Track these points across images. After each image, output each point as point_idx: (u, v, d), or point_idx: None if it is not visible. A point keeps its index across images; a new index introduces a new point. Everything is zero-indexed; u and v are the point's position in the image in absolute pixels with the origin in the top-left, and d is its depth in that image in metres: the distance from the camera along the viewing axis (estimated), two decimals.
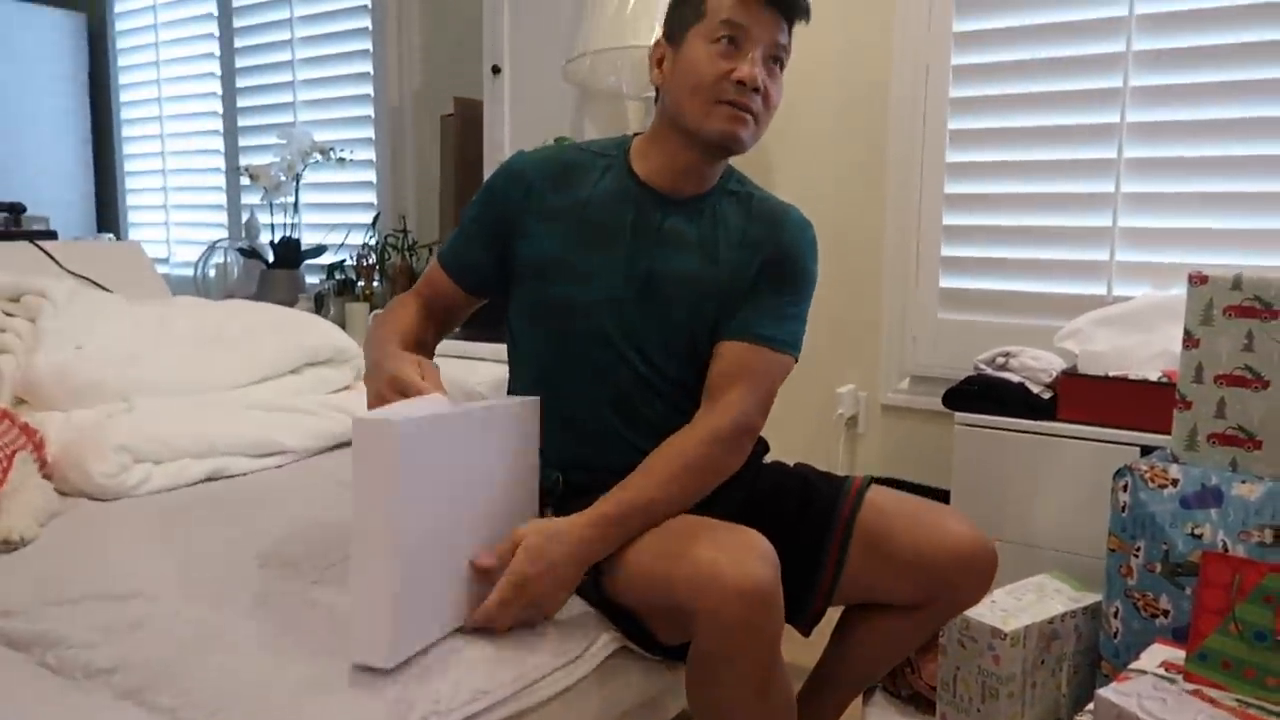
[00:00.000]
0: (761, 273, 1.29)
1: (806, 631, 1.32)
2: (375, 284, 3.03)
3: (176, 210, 3.92)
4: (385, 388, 1.10)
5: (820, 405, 2.39)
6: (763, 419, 1.27)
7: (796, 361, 1.32)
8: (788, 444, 1.63)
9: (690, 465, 1.20)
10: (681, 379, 1.30)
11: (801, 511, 1.31)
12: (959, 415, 1.89)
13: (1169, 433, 1.52)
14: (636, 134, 1.36)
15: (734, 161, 1.35)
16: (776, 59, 1.24)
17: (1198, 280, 1.47)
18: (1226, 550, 1.38)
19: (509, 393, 1.38)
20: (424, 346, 1.32)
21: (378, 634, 0.96)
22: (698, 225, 1.30)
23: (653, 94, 2.26)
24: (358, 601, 0.96)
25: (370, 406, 1.12)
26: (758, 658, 1.04)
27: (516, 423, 1.17)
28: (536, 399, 1.24)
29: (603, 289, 1.26)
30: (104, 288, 2.22)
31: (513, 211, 1.30)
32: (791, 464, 1.42)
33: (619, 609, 1.19)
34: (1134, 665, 1.33)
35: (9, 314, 1.87)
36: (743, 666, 1.04)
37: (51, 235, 2.84)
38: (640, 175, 1.30)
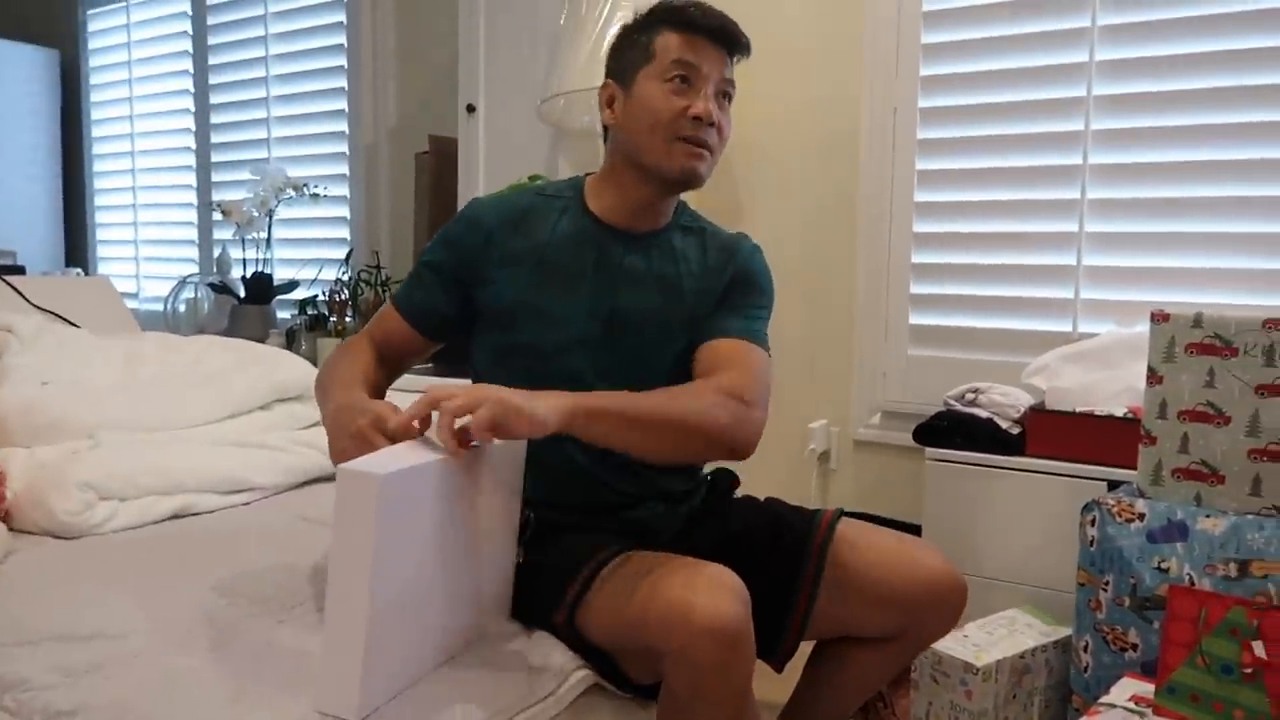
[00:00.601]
0: (725, 293, 1.33)
1: (779, 667, 1.32)
2: (348, 319, 3.02)
3: (147, 245, 3.90)
4: (368, 428, 1.06)
5: (793, 440, 2.40)
6: (759, 404, 1.22)
7: (769, 353, 1.32)
8: (761, 479, 1.64)
9: (676, 393, 1.16)
10: None
11: (773, 546, 1.31)
12: (929, 450, 1.91)
13: (1135, 468, 1.55)
14: (589, 174, 1.37)
15: (712, 201, 1.37)
16: (725, 94, 1.28)
17: (1160, 318, 1.50)
18: (1193, 584, 1.40)
19: None
20: (379, 390, 1.30)
21: (347, 685, 0.94)
22: (657, 260, 1.32)
23: None
24: (329, 650, 0.95)
25: (341, 449, 1.07)
26: (728, 697, 1.03)
27: (501, 466, 1.15)
28: (523, 440, 1.21)
29: (571, 330, 1.27)
30: (72, 323, 2.20)
31: (473, 259, 1.30)
32: (762, 499, 1.43)
33: (591, 648, 1.19)
34: (1104, 699, 1.34)
35: None
36: (714, 705, 1.03)
37: (19, 270, 2.81)
38: (597, 214, 1.32)
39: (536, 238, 1.30)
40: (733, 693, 1.03)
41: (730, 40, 1.27)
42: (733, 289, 1.33)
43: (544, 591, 1.20)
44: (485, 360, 1.33)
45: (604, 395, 1.11)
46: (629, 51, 1.28)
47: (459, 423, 1.00)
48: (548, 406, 1.03)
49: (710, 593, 1.02)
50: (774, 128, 2.41)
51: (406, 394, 1.25)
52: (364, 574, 0.92)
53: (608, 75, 1.32)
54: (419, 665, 1.06)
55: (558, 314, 1.28)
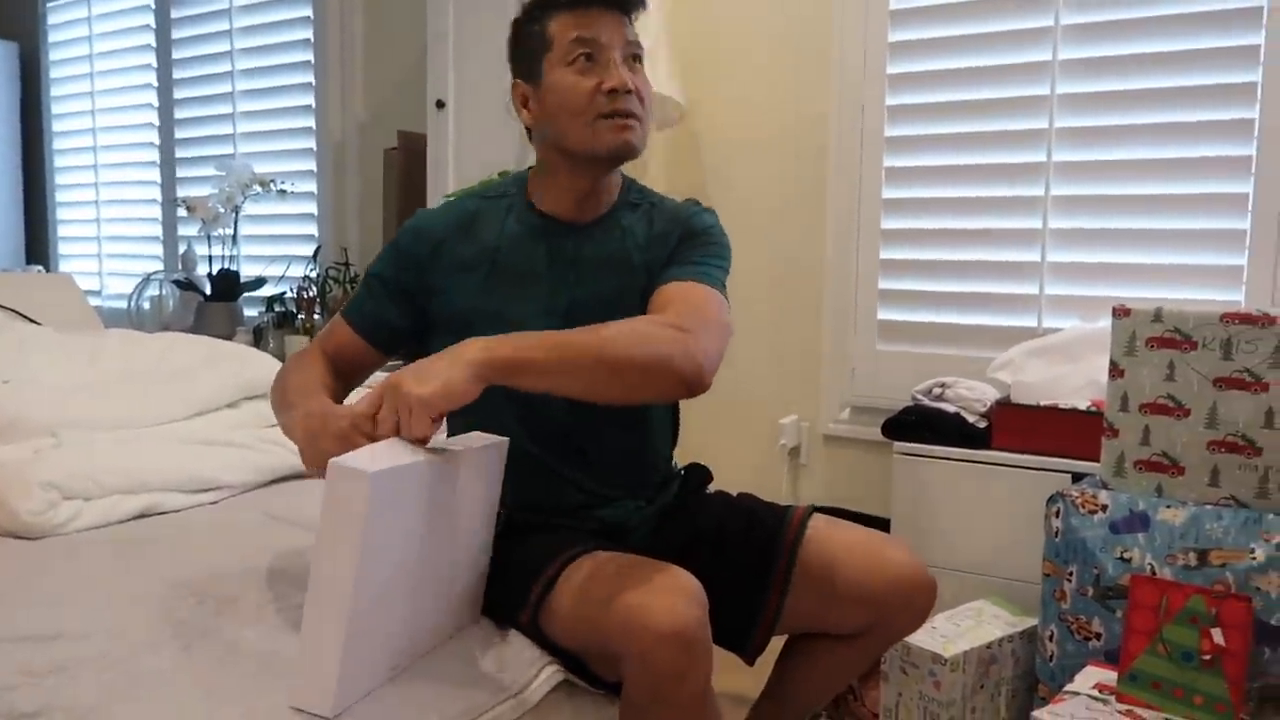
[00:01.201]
0: (673, 251, 1.30)
1: (751, 660, 1.33)
2: (316, 316, 3.00)
3: (110, 242, 3.84)
4: (350, 429, 1.03)
5: (763, 436, 2.42)
6: (701, 331, 1.14)
7: (726, 300, 1.27)
8: (732, 474, 1.64)
9: (604, 327, 1.10)
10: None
11: (745, 543, 1.32)
12: (897, 445, 1.93)
13: (1098, 460, 1.57)
14: (530, 168, 1.36)
15: (675, 191, 1.36)
16: (634, 56, 1.26)
17: (1121, 313, 1.53)
18: (1154, 573, 1.43)
19: (449, 433, 1.36)
20: (337, 400, 1.27)
21: (325, 681, 0.94)
22: (608, 244, 1.31)
23: None
24: (307, 646, 0.94)
25: (322, 449, 1.03)
26: (687, 700, 1.03)
27: (483, 466, 1.15)
28: (505, 440, 1.19)
29: (532, 329, 1.23)
30: (32, 320, 2.16)
31: (422, 270, 1.29)
32: (735, 494, 1.43)
33: (558, 650, 1.19)
34: (1069, 687, 1.36)
35: None
36: (672, 708, 1.04)
37: None
38: (542, 209, 1.31)
39: (486, 242, 1.30)
40: (691, 696, 1.03)
41: (621, 1, 1.24)
42: (680, 245, 1.30)
43: (510, 592, 1.21)
44: None
45: (519, 341, 1.05)
46: (526, 44, 1.27)
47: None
48: (447, 378, 0.99)
49: (667, 597, 1.02)
50: (742, 126, 2.42)
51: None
52: (349, 570, 0.91)
53: (514, 75, 1.30)
54: (394, 662, 1.05)
55: (514, 316, 1.26)
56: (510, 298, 1.28)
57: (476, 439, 1.15)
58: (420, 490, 1.01)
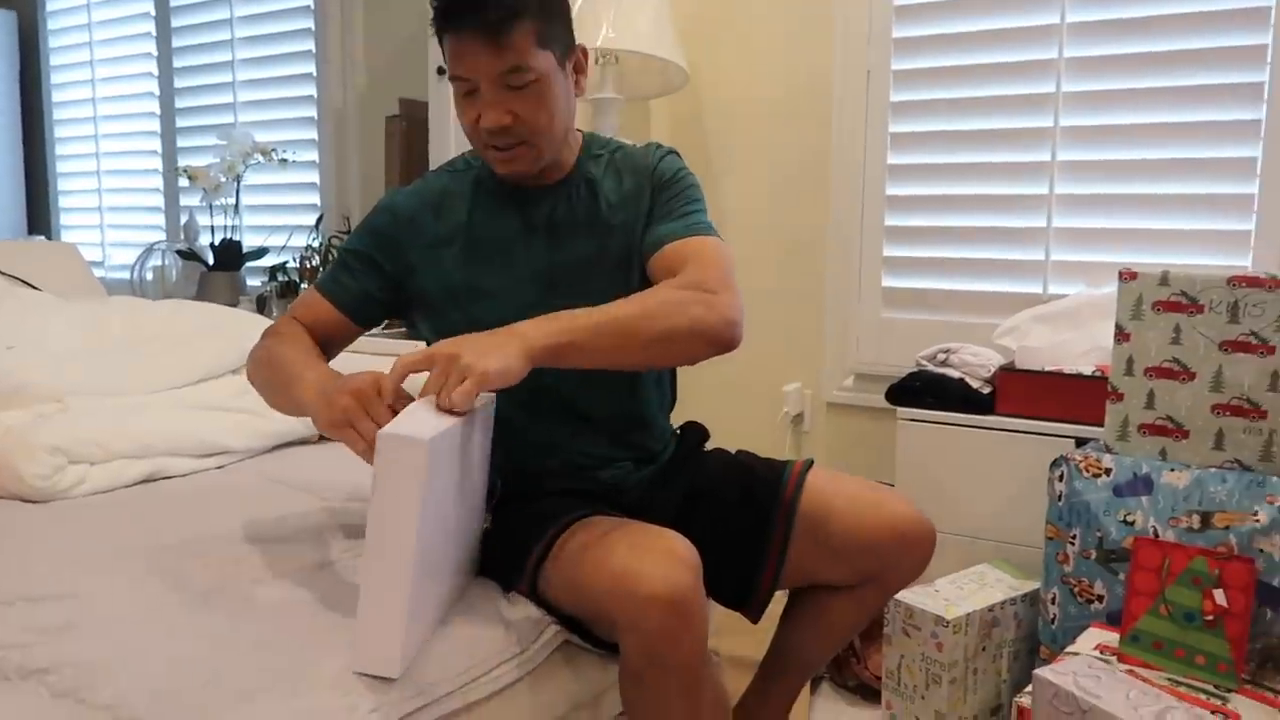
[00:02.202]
0: (651, 207, 1.28)
1: (755, 618, 1.34)
2: None
3: (112, 212, 3.82)
4: (369, 389, 1.03)
5: (766, 404, 2.42)
6: (726, 288, 1.15)
7: (722, 239, 1.27)
8: (734, 442, 1.64)
9: (640, 300, 1.11)
10: None
11: (744, 498, 1.32)
12: (901, 411, 1.93)
13: (1102, 424, 1.57)
14: None
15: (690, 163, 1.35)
16: (520, 84, 1.15)
17: (1128, 277, 1.52)
18: (1157, 536, 1.43)
19: None
20: None
21: (389, 647, 0.95)
22: (578, 204, 1.29)
23: (598, 96, 2.27)
24: (368, 613, 0.94)
25: (342, 406, 1.03)
26: (682, 663, 1.03)
27: (486, 422, 1.17)
28: (493, 395, 1.20)
29: (511, 299, 1.24)
30: (35, 287, 2.16)
31: (397, 247, 1.28)
32: (733, 451, 1.44)
33: (559, 614, 1.20)
34: (1070, 649, 1.37)
35: None
36: (668, 672, 1.04)
37: None
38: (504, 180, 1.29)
39: (458, 216, 1.29)
40: (686, 659, 1.03)
41: (490, 26, 1.11)
42: (657, 199, 1.29)
43: (508, 562, 1.21)
44: (434, 340, 1.31)
45: (567, 323, 1.05)
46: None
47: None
48: (506, 356, 1.00)
49: (658, 562, 1.02)
50: (745, 91, 2.40)
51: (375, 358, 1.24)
52: (410, 535, 0.92)
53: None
54: (433, 619, 1.07)
55: (494, 287, 1.26)
56: (488, 269, 1.27)
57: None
58: (455, 451, 1.03)
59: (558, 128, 1.21)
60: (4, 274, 2.17)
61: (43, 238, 3.85)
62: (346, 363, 1.27)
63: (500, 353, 1.00)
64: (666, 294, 1.13)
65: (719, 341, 1.12)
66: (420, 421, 0.96)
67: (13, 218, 3.91)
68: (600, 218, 1.29)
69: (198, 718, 0.88)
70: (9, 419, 1.60)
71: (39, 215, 4.01)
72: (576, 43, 1.25)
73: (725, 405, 2.40)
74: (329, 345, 1.33)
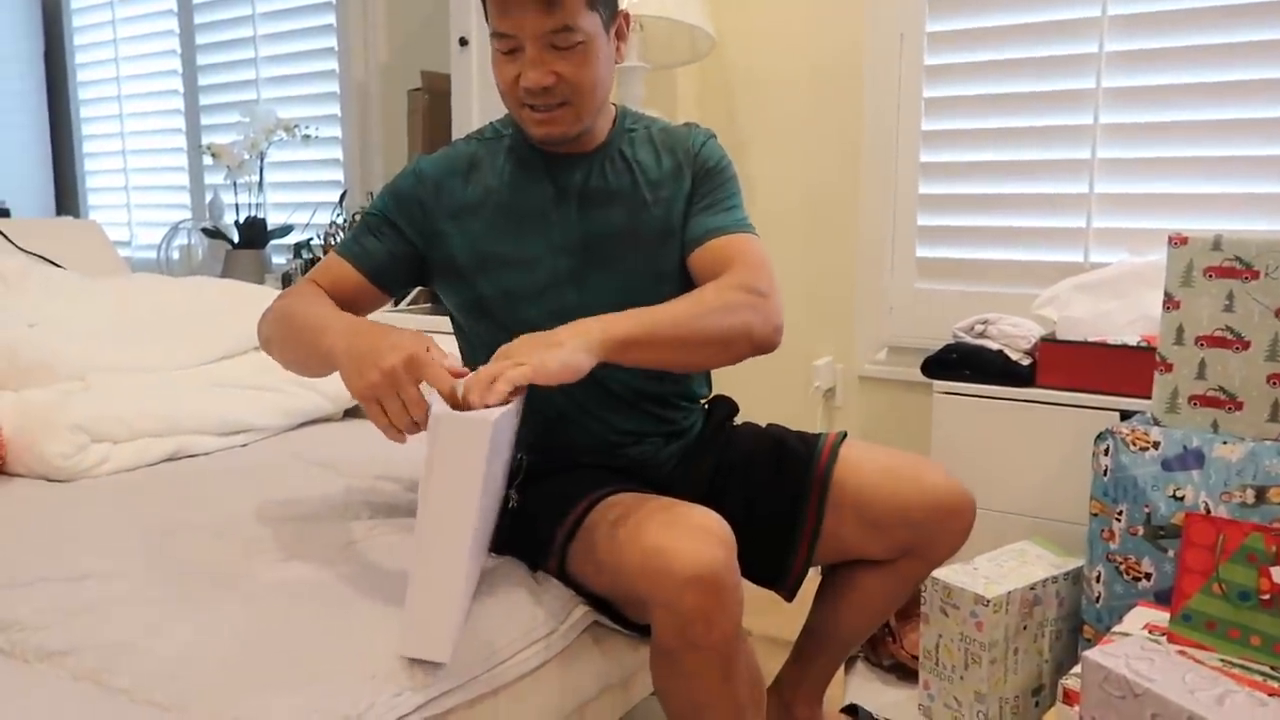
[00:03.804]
0: (693, 192, 1.26)
1: (790, 596, 1.30)
2: None
3: (138, 192, 3.83)
4: (425, 356, 0.98)
5: (797, 378, 2.37)
6: (773, 291, 1.16)
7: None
8: (764, 417, 1.60)
9: (699, 300, 1.11)
10: None
11: (776, 473, 1.28)
12: (937, 384, 1.87)
13: (1148, 397, 1.51)
14: None
15: (706, 125, 1.31)
16: (567, 44, 1.12)
17: (1178, 241, 1.45)
18: (1209, 511, 1.37)
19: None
20: None
21: (440, 631, 0.92)
22: (613, 176, 1.25)
23: (622, 65, 2.22)
24: (420, 598, 0.91)
25: (389, 366, 0.97)
26: (717, 642, 1.00)
27: (521, 405, 1.14)
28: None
29: (546, 267, 1.22)
30: (59, 266, 2.15)
31: (423, 212, 1.24)
32: (764, 425, 1.40)
33: (588, 592, 1.17)
34: (1117, 628, 1.32)
35: None
36: (702, 651, 1.01)
37: (4, 214, 2.76)
38: (538, 143, 1.24)
39: (487, 183, 1.25)
40: (720, 639, 1.00)
41: None
42: (700, 186, 1.26)
43: (537, 539, 1.19)
44: (462, 313, 1.28)
45: (629, 321, 1.05)
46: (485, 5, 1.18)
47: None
48: (572, 352, 0.98)
49: (691, 539, 0.99)
50: (773, 56, 2.33)
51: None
52: (467, 519, 0.89)
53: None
54: (468, 608, 1.05)
55: (527, 256, 1.22)
56: (519, 238, 1.23)
57: None
58: (507, 433, 1.01)
59: (600, 92, 1.18)
60: (27, 252, 2.17)
61: (70, 218, 3.86)
62: None
63: (565, 351, 0.98)
64: (722, 295, 1.12)
65: (765, 346, 1.14)
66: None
67: (41, 198, 3.93)
68: (637, 192, 1.25)
69: (218, 702, 0.86)
70: (32, 397, 1.59)
71: (67, 196, 4.03)
72: (620, 8, 1.20)
73: (755, 380, 2.35)
74: (350, 311, 1.29)
